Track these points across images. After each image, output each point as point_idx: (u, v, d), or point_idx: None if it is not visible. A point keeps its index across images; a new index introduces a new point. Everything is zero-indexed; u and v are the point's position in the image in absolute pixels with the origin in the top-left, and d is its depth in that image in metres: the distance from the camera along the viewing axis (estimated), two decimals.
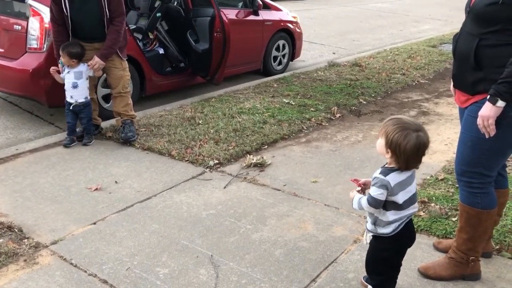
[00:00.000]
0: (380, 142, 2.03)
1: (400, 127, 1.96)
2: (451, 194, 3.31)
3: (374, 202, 2.03)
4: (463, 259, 2.45)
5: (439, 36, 10.01)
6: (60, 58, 4.02)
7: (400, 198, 2.03)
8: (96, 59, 4.00)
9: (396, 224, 2.08)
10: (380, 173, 2.04)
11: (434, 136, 4.51)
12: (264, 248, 2.77)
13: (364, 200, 2.07)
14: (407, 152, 1.94)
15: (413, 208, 2.11)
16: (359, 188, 2.17)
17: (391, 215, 2.06)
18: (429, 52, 8.25)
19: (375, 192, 2.01)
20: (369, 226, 2.16)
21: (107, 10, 3.90)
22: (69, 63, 4.00)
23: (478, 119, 2.19)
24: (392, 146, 1.96)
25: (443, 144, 4.31)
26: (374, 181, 2.04)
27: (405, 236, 2.13)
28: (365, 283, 2.38)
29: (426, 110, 5.32)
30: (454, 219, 2.97)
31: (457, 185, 2.79)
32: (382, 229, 2.10)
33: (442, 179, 3.54)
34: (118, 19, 3.98)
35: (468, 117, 2.32)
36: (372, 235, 2.17)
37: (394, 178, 2.01)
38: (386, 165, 2.08)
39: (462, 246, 2.45)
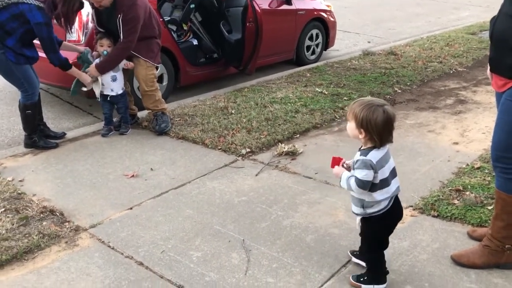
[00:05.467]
0: (351, 126, 2.10)
1: (366, 105, 2.04)
2: (487, 182, 3.23)
3: (362, 184, 2.08)
4: (499, 247, 2.41)
5: (479, 23, 9.68)
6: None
7: (385, 172, 2.09)
8: (92, 68, 4.11)
9: (386, 202, 2.13)
10: (360, 155, 2.09)
11: (472, 125, 4.39)
12: (295, 233, 2.79)
13: (352, 181, 2.10)
14: (379, 125, 2.01)
15: (397, 183, 2.17)
16: (345, 165, 2.21)
17: (378, 195, 2.11)
18: (468, 39, 7.99)
19: (361, 174, 2.06)
20: (356, 210, 2.21)
21: (121, 32, 4.02)
22: (108, 43, 4.13)
23: None
24: (363, 124, 2.03)
25: (481, 133, 4.19)
26: (357, 164, 2.09)
27: (394, 212, 2.19)
28: (356, 283, 2.33)
29: (463, 99, 5.18)
30: (490, 207, 2.90)
31: (493, 174, 2.72)
32: (371, 209, 2.15)
33: (478, 168, 3.46)
34: (127, 39, 4.05)
35: (506, 101, 2.26)
36: (362, 218, 2.22)
37: (374, 156, 2.07)
38: (362, 147, 2.13)
39: (498, 233, 2.40)
